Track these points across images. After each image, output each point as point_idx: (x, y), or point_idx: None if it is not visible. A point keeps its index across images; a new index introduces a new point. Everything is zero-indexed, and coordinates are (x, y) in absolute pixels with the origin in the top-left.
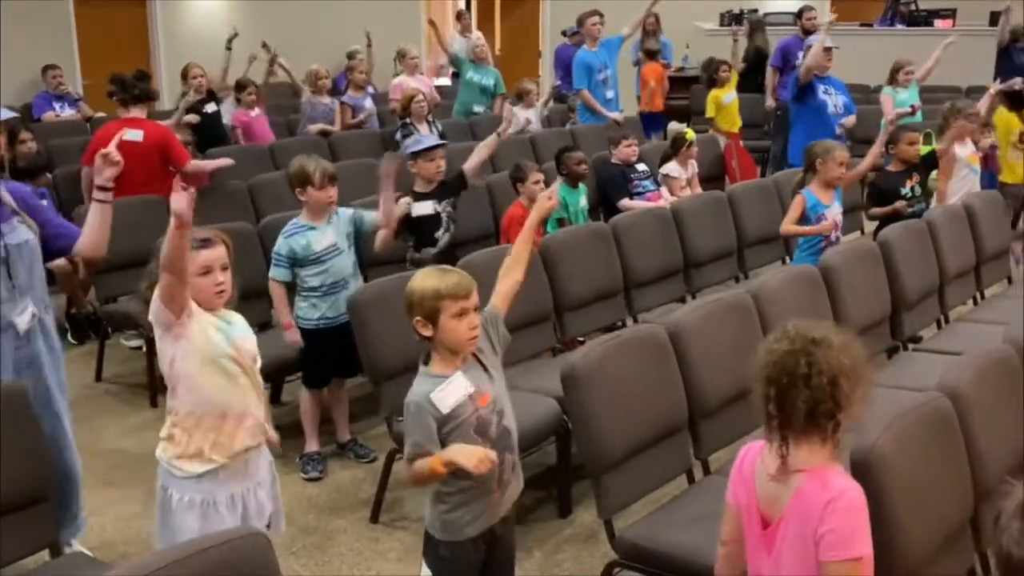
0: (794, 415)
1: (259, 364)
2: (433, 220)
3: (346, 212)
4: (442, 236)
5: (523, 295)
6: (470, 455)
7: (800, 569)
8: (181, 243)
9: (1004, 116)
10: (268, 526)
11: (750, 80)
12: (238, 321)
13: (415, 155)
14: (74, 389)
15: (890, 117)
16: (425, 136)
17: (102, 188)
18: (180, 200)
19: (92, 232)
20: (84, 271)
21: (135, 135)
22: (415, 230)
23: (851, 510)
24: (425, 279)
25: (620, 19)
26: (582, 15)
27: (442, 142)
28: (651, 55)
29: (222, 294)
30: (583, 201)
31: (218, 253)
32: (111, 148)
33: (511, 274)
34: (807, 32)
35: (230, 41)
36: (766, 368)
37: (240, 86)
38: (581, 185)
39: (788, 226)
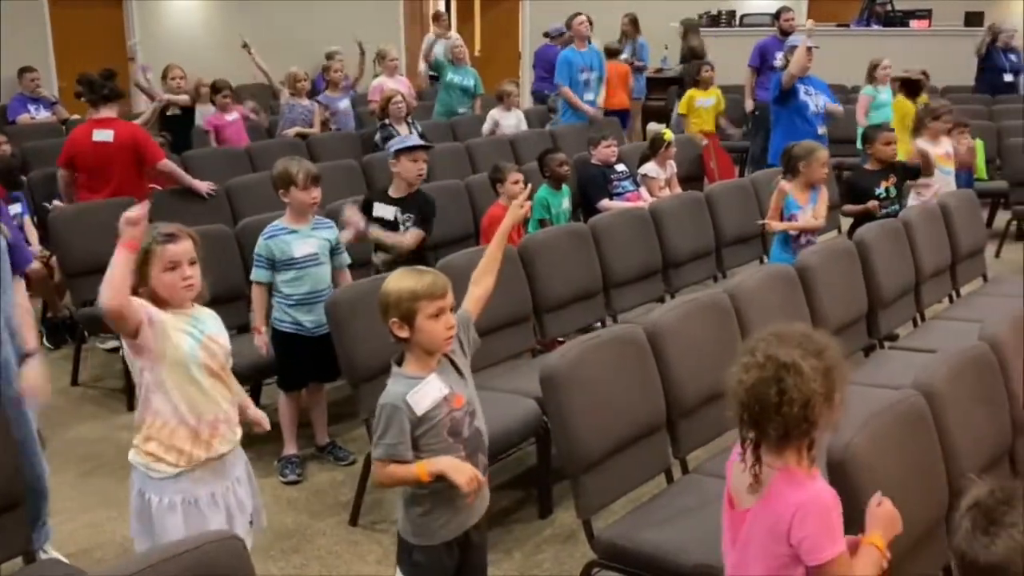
0: (768, 439)
1: (231, 363)
2: (390, 225)
3: (335, 232)
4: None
5: (502, 296)
6: (460, 470)
7: (765, 565)
8: (128, 266)
9: (901, 103)
10: (251, 523)
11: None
12: (208, 316)
13: (399, 152)
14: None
15: (861, 121)
16: (410, 136)
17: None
18: (135, 210)
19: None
20: (60, 275)
21: (105, 135)
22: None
23: (824, 512)
24: (400, 280)
25: (599, 21)
26: (570, 17)
27: (427, 144)
28: (611, 54)
29: (191, 288)
30: (566, 203)
31: (184, 247)
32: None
33: (483, 279)
34: (784, 33)
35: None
36: (737, 396)
37: (215, 88)
38: (564, 187)
39: (774, 223)
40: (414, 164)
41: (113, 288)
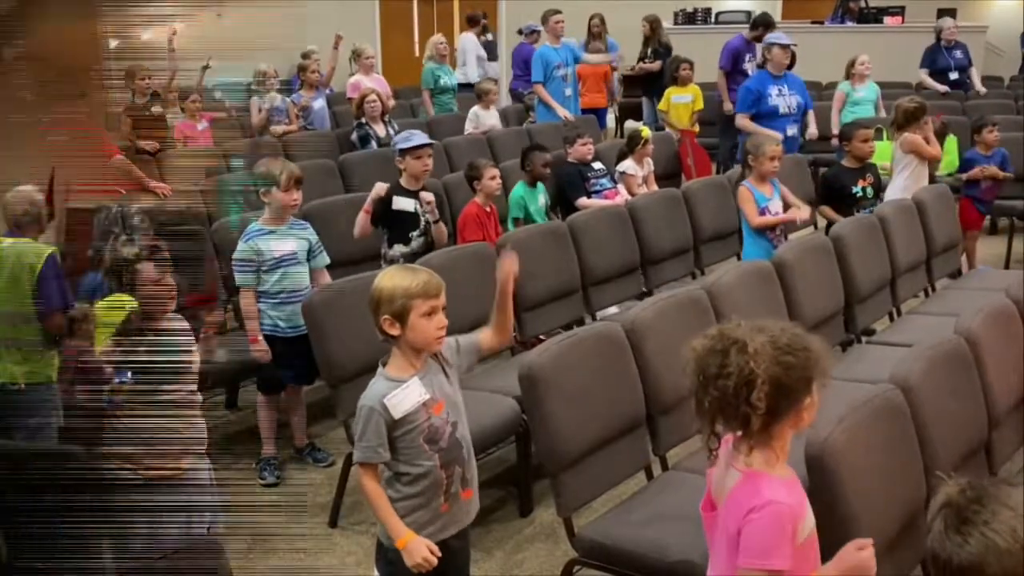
0: (704, 413)
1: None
2: (411, 218)
3: (313, 233)
4: (416, 238)
5: (481, 296)
6: (411, 553)
7: (726, 566)
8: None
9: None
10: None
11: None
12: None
13: (403, 152)
14: None
15: (835, 118)
16: (415, 133)
17: None
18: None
19: None
20: None
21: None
22: (391, 224)
23: (773, 522)
24: (394, 278)
25: (574, 19)
26: (546, 12)
27: (430, 141)
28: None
29: (173, 299)
30: (541, 200)
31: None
32: None
33: (494, 340)
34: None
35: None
36: (688, 364)
37: (184, 95)
38: (539, 184)
39: (757, 219)
40: (419, 161)
41: None
